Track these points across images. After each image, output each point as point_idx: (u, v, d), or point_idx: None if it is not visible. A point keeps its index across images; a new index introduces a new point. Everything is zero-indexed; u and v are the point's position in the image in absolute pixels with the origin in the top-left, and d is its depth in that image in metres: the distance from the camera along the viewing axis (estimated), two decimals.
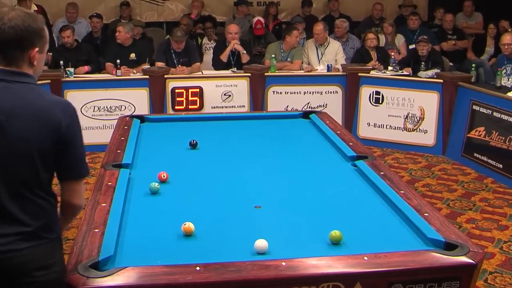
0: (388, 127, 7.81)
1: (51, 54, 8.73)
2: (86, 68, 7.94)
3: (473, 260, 2.67)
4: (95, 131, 7.64)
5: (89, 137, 7.51)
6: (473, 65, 7.79)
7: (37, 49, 2.36)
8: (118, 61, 7.72)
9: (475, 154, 7.00)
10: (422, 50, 7.95)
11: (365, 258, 2.67)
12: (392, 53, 8.42)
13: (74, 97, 7.50)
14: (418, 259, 2.68)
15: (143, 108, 7.56)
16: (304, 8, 10.50)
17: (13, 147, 2.28)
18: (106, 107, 7.66)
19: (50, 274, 2.38)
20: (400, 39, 9.11)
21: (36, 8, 8.74)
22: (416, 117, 7.63)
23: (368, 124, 7.91)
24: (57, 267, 2.42)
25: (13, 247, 2.29)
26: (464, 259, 2.68)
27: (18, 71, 2.35)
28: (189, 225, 2.96)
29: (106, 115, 7.64)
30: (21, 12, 2.34)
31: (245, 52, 8.19)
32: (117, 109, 7.63)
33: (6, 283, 2.32)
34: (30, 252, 2.32)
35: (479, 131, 6.92)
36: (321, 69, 8.19)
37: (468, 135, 7.10)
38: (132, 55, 8.00)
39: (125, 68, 7.73)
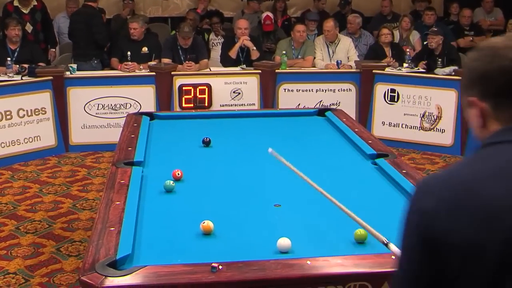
0: (404, 126, 7.52)
1: (54, 50, 8.51)
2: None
3: None
4: (99, 130, 7.37)
5: (93, 136, 7.35)
6: None
7: None
8: (129, 53, 7.45)
9: None
10: (431, 43, 7.60)
11: (393, 257, 2.52)
12: (407, 50, 8.13)
13: (77, 94, 7.27)
14: None
15: (149, 106, 7.26)
16: (317, 2, 10.11)
17: None
18: (111, 105, 7.36)
19: None
20: (415, 36, 8.80)
21: (36, 3, 8.43)
22: (433, 116, 7.34)
23: (383, 123, 7.63)
24: None
25: None
26: None
27: None
28: (208, 224, 2.91)
29: (111, 113, 7.35)
30: None
31: (255, 48, 7.90)
32: (122, 107, 7.34)
33: None
34: None
35: None
36: None
37: None
38: (145, 49, 7.73)
39: (134, 63, 7.49)
